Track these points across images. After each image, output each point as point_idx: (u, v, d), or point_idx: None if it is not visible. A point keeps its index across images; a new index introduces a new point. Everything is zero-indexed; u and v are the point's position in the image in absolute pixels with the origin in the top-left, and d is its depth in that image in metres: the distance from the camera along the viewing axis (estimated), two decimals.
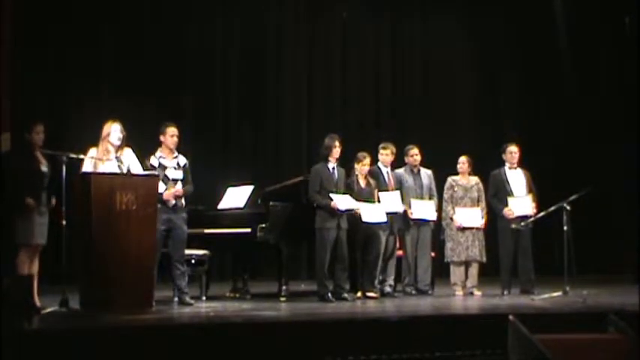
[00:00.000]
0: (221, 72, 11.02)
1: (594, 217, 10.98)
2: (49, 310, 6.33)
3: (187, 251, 7.73)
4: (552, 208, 7.90)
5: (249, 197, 8.17)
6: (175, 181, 7.28)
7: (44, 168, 6.75)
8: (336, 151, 7.94)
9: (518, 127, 11.90)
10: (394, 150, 8.63)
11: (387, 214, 8.20)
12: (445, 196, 8.65)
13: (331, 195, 7.75)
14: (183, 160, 7.46)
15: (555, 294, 7.61)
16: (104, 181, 6.47)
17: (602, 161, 11.73)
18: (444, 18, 12.15)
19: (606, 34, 12.08)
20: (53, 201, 6.70)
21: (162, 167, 7.28)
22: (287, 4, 11.62)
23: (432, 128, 11.71)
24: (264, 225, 7.69)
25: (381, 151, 8.55)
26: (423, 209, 8.54)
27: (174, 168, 7.34)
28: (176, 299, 7.35)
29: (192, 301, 7.34)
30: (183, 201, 7.34)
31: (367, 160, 8.23)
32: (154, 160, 7.30)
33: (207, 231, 8.14)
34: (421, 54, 12.13)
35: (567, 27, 12.14)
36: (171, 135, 7.36)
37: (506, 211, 8.45)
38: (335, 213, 7.74)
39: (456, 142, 10.92)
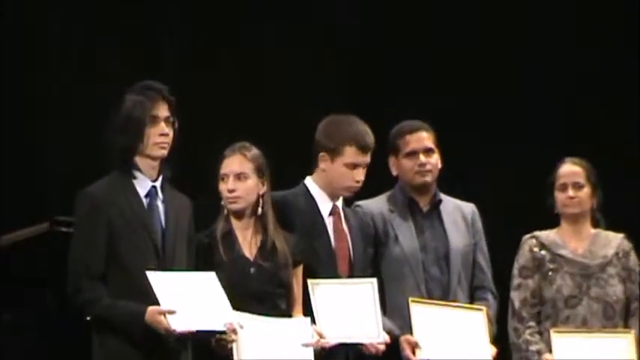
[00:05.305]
0: None
1: None
2: None
3: None
4: None
5: None
6: None
7: None
8: (156, 143, 2.90)
9: None
10: (371, 140, 3.22)
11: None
12: (514, 293, 3.41)
13: (149, 275, 2.66)
14: None
15: None
16: None
17: None
18: None
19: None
20: None
21: None
22: None
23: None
24: None
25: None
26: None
27: None
28: None
29: None
30: None
31: (257, 154, 3.07)
32: None
33: None
34: None
35: None
36: None
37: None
38: (161, 339, 2.73)
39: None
